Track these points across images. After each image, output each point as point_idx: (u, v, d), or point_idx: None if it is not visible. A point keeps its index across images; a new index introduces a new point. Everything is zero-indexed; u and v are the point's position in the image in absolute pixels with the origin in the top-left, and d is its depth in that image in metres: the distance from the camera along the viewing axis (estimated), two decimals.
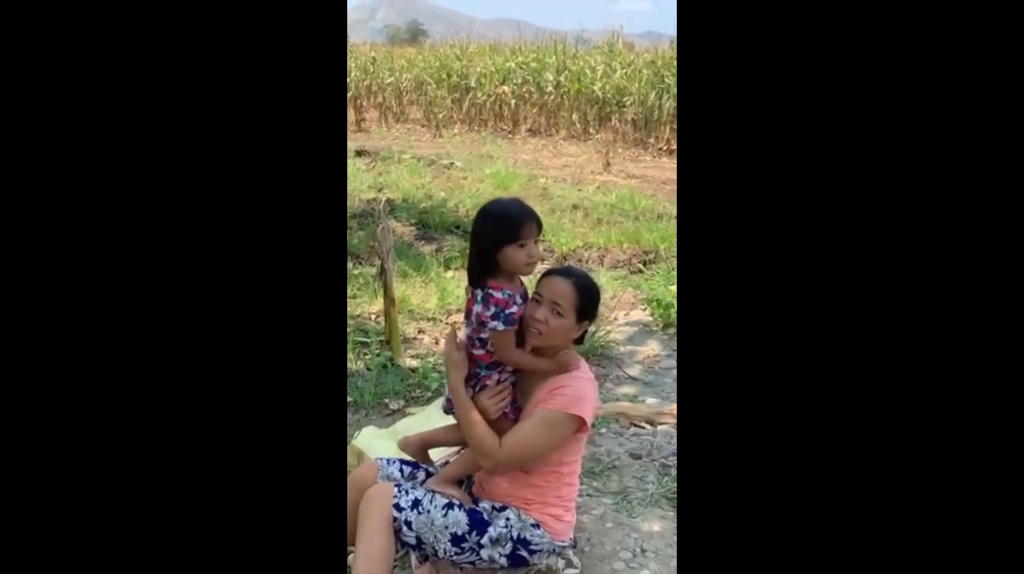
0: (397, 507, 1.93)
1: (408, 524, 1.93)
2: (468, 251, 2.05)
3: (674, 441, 3.08)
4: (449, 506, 1.98)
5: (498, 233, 1.96)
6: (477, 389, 2.06)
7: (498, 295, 1.96)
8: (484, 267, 1.99)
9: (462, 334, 2.11)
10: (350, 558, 2.05)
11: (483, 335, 2.02)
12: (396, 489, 1.97)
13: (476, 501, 2.08)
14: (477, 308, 1.99)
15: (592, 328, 4.09)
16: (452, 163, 10.15)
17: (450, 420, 2.14)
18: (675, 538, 2.36)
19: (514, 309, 1.98)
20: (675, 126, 12.37)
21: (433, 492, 2.03)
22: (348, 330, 4.09)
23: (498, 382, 2.07)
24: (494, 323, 1.96)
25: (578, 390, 1.99)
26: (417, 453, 2.24)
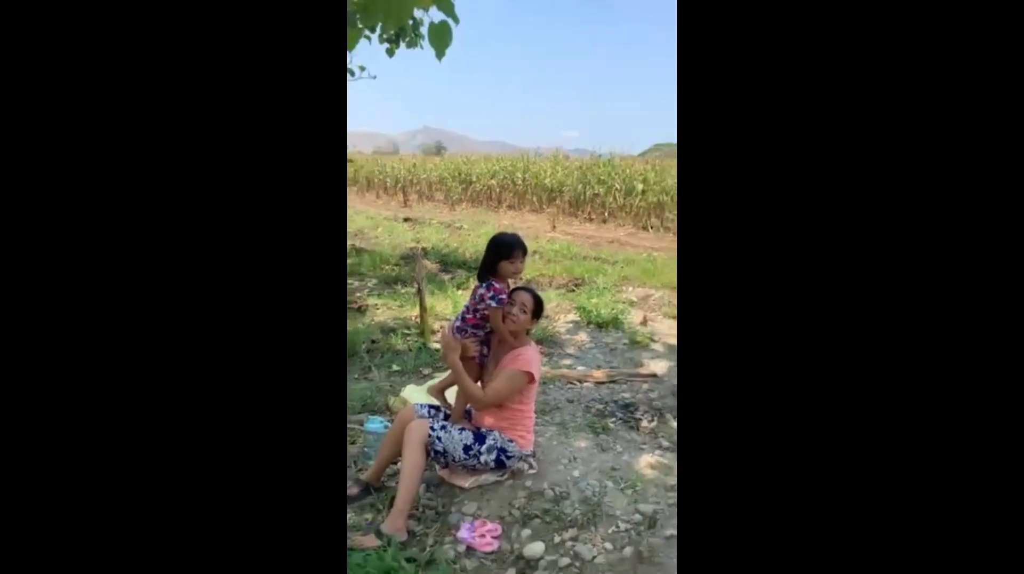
0: (432, 429, 1.95)
1: (439, 438, 1.96)
2: (481, 260, 2.11)
3: (596, 391, 3.05)
4: (462, 429, 2.02)
5: (498, 252, 2.04)
6: (467, 335, 2.11)
7: (498, 286, 2.05)
8: (487, 271, 2.06)
9: (449, 328, 2.14)
10: (394, 465, 2.04)
11: (479, 307, 2.07)
12: (432, 421, 1.99)
13: (477, 428, 2.09)
14: (481, 290, 2.06)
15: (544, 323, 4.16)
16: (461, 226, 10.14)
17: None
18: (597, 451, 2.35)
19: (503, 297, 2.05)
20: (594, 205, 12.52)
21: (452, 424, 2.06)
22: (396, 327, 4.04)
23: (474, 335, 2.12)
24: (490, 301, 2.03)
25: (529, 356, 2.05)
26: (438, 395, 2.27)
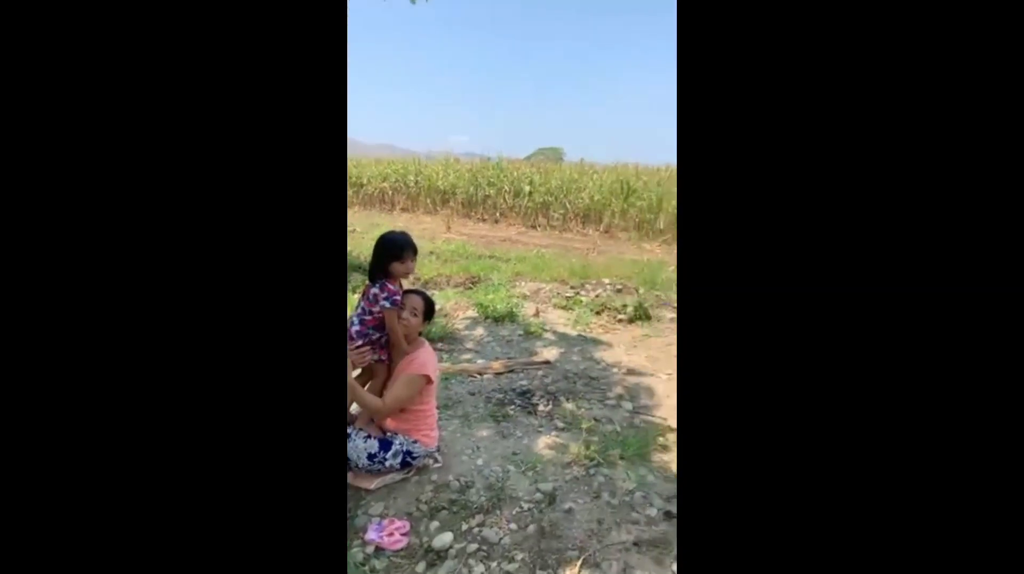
0: None
1: None
2: (370, 259, 1.99)
3: (495, 382, 3.05)
4: (367, 437, 1.95)
5: (388, 252, 1.95)
6: (368, 338, 1.99)
7: (392, 287, 1.94)
8: (378, 271, 1.96)
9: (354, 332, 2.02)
10: None
11: (374, 309, 1.96)
12: None
13: (383, 432, 2.02)
14: (374, 290, 1.96)
15: (443, 321, 4.10)
16: (354, 229, 9.73)
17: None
18: (498, 439, 2.34)
19: (398, 297, 1.96)
20: (486, 206, 12.61)
21: (358, 429, 1.98)
22: None
23: (379, 338, 2.01)
24: (384, 302, 1.93)
25: (423, 359, 1.99)
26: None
